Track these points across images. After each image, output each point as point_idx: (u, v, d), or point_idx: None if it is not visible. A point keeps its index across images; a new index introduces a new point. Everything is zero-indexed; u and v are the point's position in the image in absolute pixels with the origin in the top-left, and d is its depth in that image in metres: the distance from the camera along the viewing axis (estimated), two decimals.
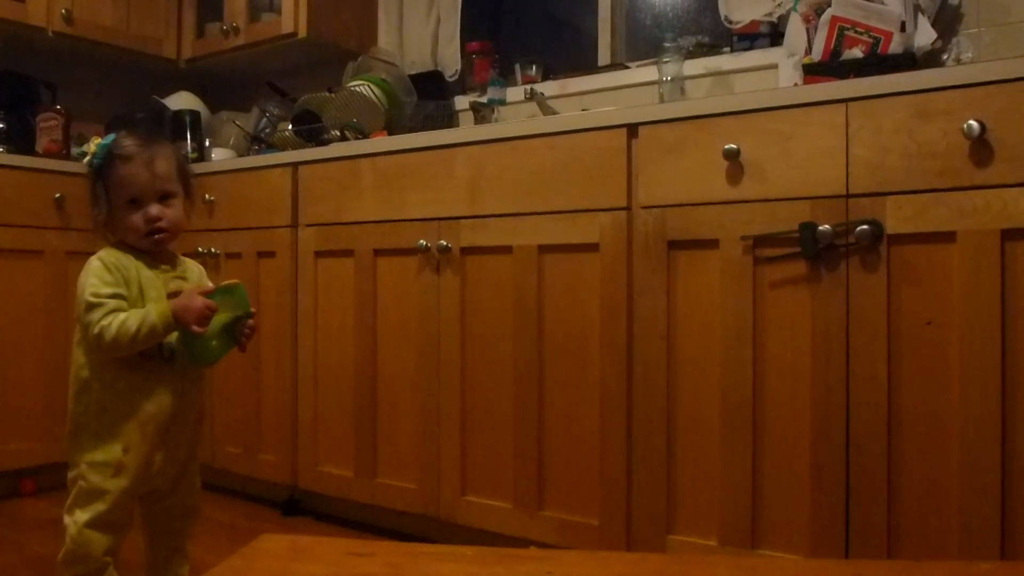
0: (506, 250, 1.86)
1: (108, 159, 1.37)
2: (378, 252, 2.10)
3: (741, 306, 1.55)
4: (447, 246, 1.94)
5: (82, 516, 1.34)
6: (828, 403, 1.46)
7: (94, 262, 1.35)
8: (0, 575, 1.84)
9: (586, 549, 1.71)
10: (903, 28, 1.75)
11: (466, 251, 1.93)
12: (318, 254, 2.23)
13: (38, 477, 2.50)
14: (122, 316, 1.30)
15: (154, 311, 1.31)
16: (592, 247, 1.74)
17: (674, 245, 1.64)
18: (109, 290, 1.32)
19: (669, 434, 1.64)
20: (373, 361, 2.11)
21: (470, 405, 1.93)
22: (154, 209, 1.37)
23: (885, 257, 1.41)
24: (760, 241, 1.53)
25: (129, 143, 1.38)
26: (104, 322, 1.29)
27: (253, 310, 1.43)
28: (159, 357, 1.38)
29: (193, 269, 1.49)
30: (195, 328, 1.31)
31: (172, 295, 1.38)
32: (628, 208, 1.70)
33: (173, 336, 1.36)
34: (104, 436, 1.35)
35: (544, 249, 1.81)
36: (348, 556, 0.89)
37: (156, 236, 1.38)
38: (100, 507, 1.34)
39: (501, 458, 1.87)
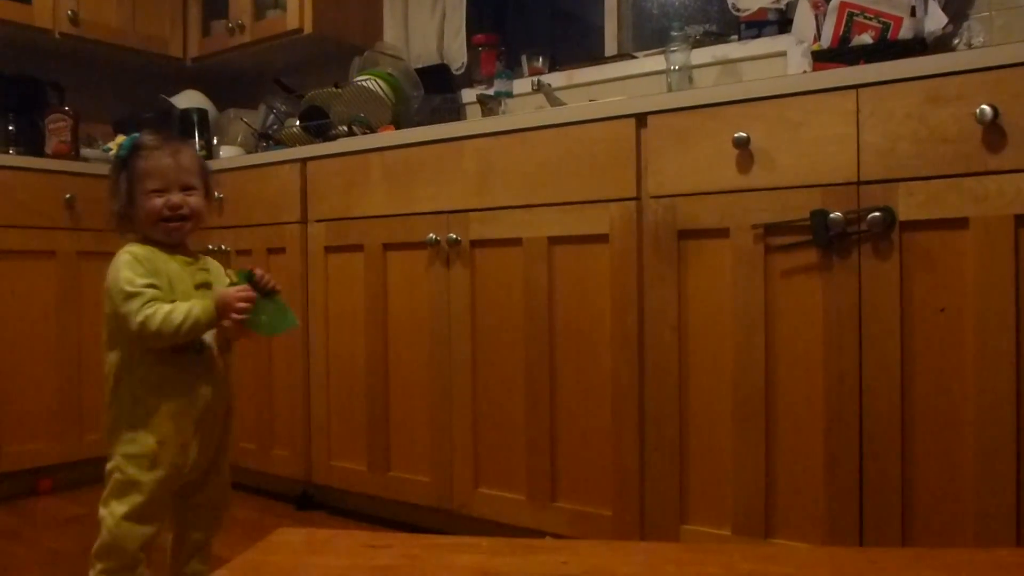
0: (516, 242, 1.86)
1: (134, 150, 1.41)
2: (388, 246, 2.10)
3: (752, 295, 1.55)
4: (456, 239, 1.94)
5: (119, 508, 1.35)
6: (841, 391, 1.45)
7: (123, 255, 1.37)
8: (19, 571, 1.86)
9: (600, 539, 1.71)
10: (913, 13, 1.74)
11: (475, 244, 1.93)
12: (328, 249, 2.24)
13: (54, 476, 2.52)
14: (166, 307, 1.32)
15: (198, 305, 1.34)
16: (602, 238, 1.73)
17: (684, 235, 1.63)
18: (143, 280, 1.34)
19: (681, 424, 1.64)
20: (384, 355, 2.11)
21: (482, 397, 1.93)
22: (176, 197, 1.40)
23: (897, 244, 1.40)
24: (771, 230, 1.53)
25: (154, 137, 1.43)
26: (148, 311, 1.31)
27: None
28: (191, 350, 1.40)
29: (213, 264, 1.52)
30: (237, 317, 1.35)
31: (201, 286, 1.42)
32: (638, 198, 1.69)
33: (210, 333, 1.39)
34: (138, 428, 1.36)
35: (554, 241, 1.81)
36: (365, 548, 0.90)
37: (176, 223, 1.41)
38: (137, 499, 1.35)
39: (513, 450, 1.88)
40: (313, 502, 2.34)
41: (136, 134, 1.43)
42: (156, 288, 1.35)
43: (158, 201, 1.39)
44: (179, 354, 1.38)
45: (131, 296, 1.32)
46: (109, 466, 1.38)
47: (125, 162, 1.41)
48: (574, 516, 1.78)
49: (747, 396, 1.56)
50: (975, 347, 1.33)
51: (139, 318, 1.31)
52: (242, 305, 1.35)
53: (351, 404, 2.19)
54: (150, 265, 1.37)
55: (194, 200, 1.43)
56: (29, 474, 2.47)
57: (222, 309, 1.35)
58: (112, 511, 1.35)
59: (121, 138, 1.42)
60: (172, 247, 1.43)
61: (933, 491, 1.38)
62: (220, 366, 1.46)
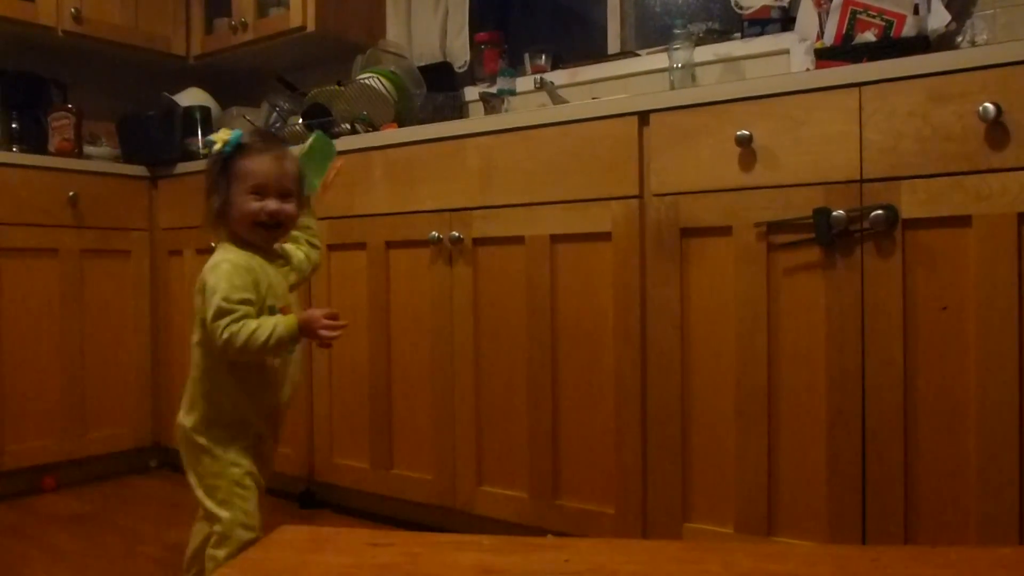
0: (518, 240, 1.86)
1: (238, 149, 1.40)
2: (390, 244, 2.10)
3: (755, 293, 1.55)
4: (459, 237, 1.94)
5: (227, 513, 1.37)
6: (844, 389, 1.45)
7: (224, 264, 1.36)
8: (23, 569, 1.86)
9: (602, 537, 1.71)
10: (916, 11, 1.73)
11: (478, 242, 1.93)
12: (330, 247, 2.24)
13: (58, 473, 2.53)
14: (252, 325, 1.32)
15: (282, 324, 1.35)
16: (605, 236, 1.73)
17: (687, 233, 1.63)
18: (239, 296, 1.34)
19: (684, 422, 1.64)
20: (387, 353, 2.11)
21: (484, 395, 1.93)
22: (274, 204, 1.40)
23: (900, 242, 1.40)
24: (774, 227, 1.53)
25: (259, 139, 1.46)
26: (233, 328, 1.31)
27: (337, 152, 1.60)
28: (286, 353, 1.45)
29: (288, 251, 1.55)
30: (323, 337, 1.37)
31: (292, 288, 1.50)
32: (640, 196, 1.69)
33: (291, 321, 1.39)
34: (236, 430, 1.41)
35: (556, 239, 1.81)
36: (367, 546, 0.90)
37: (271, 230, 1.42)
38: (248, 504, 1.39)
39: (516, 448, 1.88)
40: (316, 500, 2.34)
41: (239, 131, 1.43)
42: (250, 304, 1.35)
43: (255, 205, 1.39)
44: (277, 357, 1.44)
45: (224, 312, 1.32)
46: (213, 470, 1.39)
47: (227, 160, 1.40)
48: (577, 514, 1.78)
49: (749, 394, 1.56)
50: (977, 345, 1.33)
51: (225, 335, 1.31)
52: (327, 333, 1.37)
53: (354, 402, 2.19)
54: (251, 276, 1.37)
55: (290, 207, 1.43)
56: (33, 472, 2.47)
57: (307, 330, 1.36)
58: (232, 517, 1.37)
59: (225, 133, 1.42)
60: (265, 249, 1.45)
61: (935, 489, 1.38)
62: (294, 367, 1.50)
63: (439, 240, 1.98)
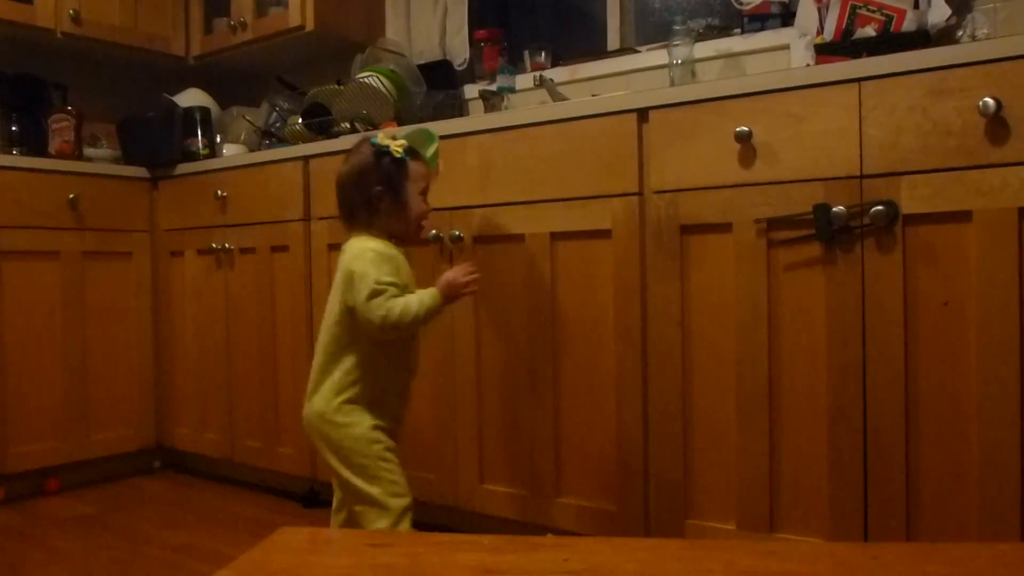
0: (518, 238, 1.86)
1: (410, 153, 1.57)
2: None
3: (755, 290, 1.54)
4: (459, 235, 1.94)
5: (377, 488, 1.47)
6: (845, 386, 1.45)
7: (368, 252, 1.50)
8: (27, 571, 1.87)
9: (604, 535, 1.72)
10: (916, 5, 1.73)
11: (478, 240, 1.93)
12: (331, 247, 2.24)
13: (61, 476, 2.53)
14: (401, 302, 1.47)
15: (427, 295, 1.50)
16: (605, 233, 1.73)
17: (687, 230, 1.63)
18: (388, 278, 1.48)
19: (685, 419, 1.64)
20: None
21: (485, 394, 1.93)
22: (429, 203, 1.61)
23: (900, 238, 1.39)
24: (774, 224, 1.52)
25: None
26: (388, 305, 1.46)
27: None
28: (430, 323, 1.57)
29: None
30: (467, 292, 1.57)
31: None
32: (640, 193, 1.69)
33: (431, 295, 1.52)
34: (376, 408, 1.51)
35: (556, 236, 1.80)
36: (366, 547, 0.90)
37: (424, 224, 1.61)
38: (395, 475, 1.49)
39: (518, 446, 1.88)
40: (320, 500, 2.34)
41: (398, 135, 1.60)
42: (397, 286, 1.49)
43: (425, 206, 1.59)
44: (413, 339, 1.57)
45: (377, 293, 1.46)
46: (362, 450, 1.48)
47: (403, 163, 1.54)
48: (579, 511, 1.78)
49: (751, 390, 1.55)
50: (979, 340, 1.33)
51: (381, 312, 1.45)
52: (470, 281, 1.55)
53: None
54: (395, 263, 1.52)
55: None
56: (36, 474, 2.48)
57: (449, 293, 1.53)
58: (387, 504, 1.46)
59: (392, 130, 1.55)
60: (400, 242, 1.58)
61: (937, 484, 1.38)
62: (417, 347, 1.62)
63: (439, 238, 1.98)
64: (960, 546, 0.92)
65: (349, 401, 1.50)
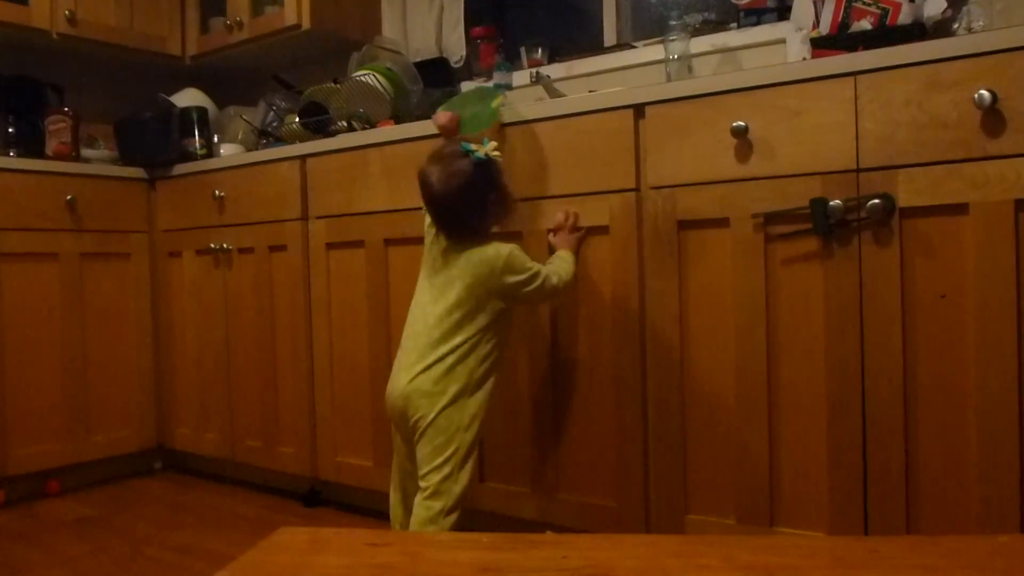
0: (516, 235, 1.86)
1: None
2: (389, 242, 2.10)
3: (753, 284, 1.54)
4: None
5: (465, 475, 1.54)
6: (843, 379, 1.45)
7: (502, 249, 1.57)
8: (28, 574, 1.87)
9: (604, 531, 1.72)
10: None
11: None
12: (329, 246, 2.24)
13: (62, 478, 2.54)
14: (548, 270, 1.63)
15: (565, 259, 1.70)
16: (602, 229, 1.73)
17: (684, 225, 1.63)
18: (532, 264, 1.61)
19: (685, 414, 1.64)
20: (387, 351, 2.11)
21: None
22: None
23: (897, 231, 1.39)
24: (771, 218, 1.52)
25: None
26: (545, 272, 1.61)
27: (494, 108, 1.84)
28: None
29: None
30: (583, 237, 1.74)
31: None
32: (637, 189, 1.69)
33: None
34: (479, 393, 1.59)
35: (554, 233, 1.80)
36: (366, 547, 0.90)
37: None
38: (472, 462, 1.57)
39: (517, 443, 1.88)
40: (321, 499, 2.35)
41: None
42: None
43: (512, 185, 1.67)
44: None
45: (536, 275, 1.59)
46: (456, 434, 1.54)
47: (498, 161, 1.60)
48: (579, 508, 1.78)
49: (749, 385, 1.55)
50: (976, 333, 1.33)
51: (548, 283, 1.61)
52: (581, 232, 1.74)
53: (356, 400, 2.19)
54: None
55: None
56: (37, 476, 2.48)
57: (574, 245, 1.73)
58: (461, 481, 1.53)
59: (486, 140, 1.60)
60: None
61: (937, 477, 1.38)
62: None
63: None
64: (957, 539, 0.92)
65: (465, 392, 1.57)
